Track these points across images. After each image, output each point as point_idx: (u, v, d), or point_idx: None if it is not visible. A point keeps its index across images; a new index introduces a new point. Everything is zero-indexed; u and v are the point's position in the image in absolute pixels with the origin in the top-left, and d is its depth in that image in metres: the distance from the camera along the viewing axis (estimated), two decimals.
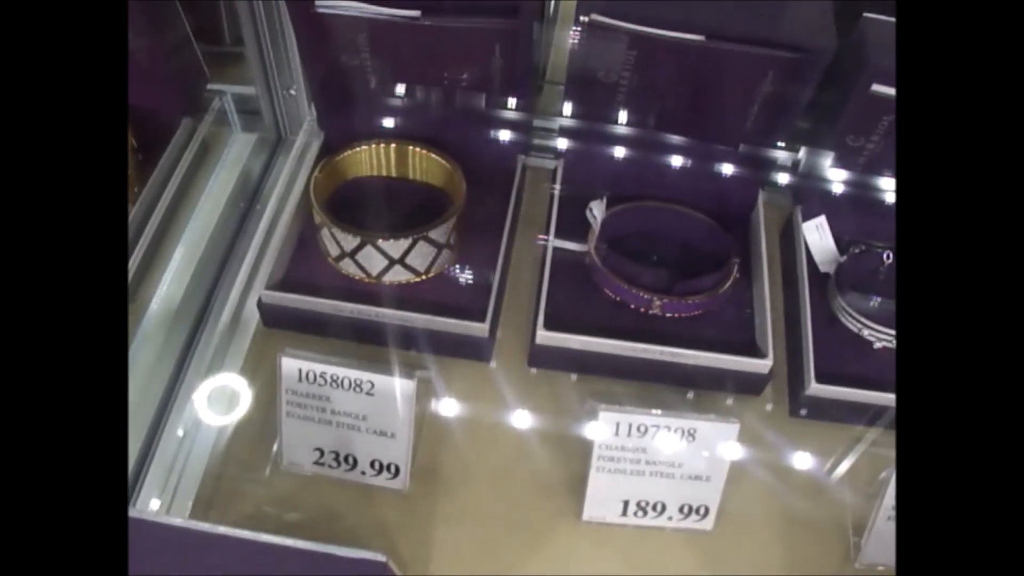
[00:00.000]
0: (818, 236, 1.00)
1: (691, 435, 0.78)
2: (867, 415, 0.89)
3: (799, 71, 0.87)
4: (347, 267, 0.93)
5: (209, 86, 1.13)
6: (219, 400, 0.86)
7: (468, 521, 0.83)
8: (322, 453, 0.83)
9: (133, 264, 0.96)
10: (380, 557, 0.57)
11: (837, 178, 1.01)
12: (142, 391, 0.89)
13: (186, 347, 0.95)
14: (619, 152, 1.02)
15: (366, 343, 0.91)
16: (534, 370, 0.93)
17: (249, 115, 1.14)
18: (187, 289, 0.98)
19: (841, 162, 0.98)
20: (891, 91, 0.85)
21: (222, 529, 0.58)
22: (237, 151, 1.12)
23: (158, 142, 1.05)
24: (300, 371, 0.79)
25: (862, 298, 0.94)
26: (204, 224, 1.04)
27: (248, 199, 1.08)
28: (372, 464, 0.82)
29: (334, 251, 0.92)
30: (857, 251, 0.97)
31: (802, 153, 1.02)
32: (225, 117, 1.13)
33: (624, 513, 0.82)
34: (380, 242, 0.89)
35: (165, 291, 0.98)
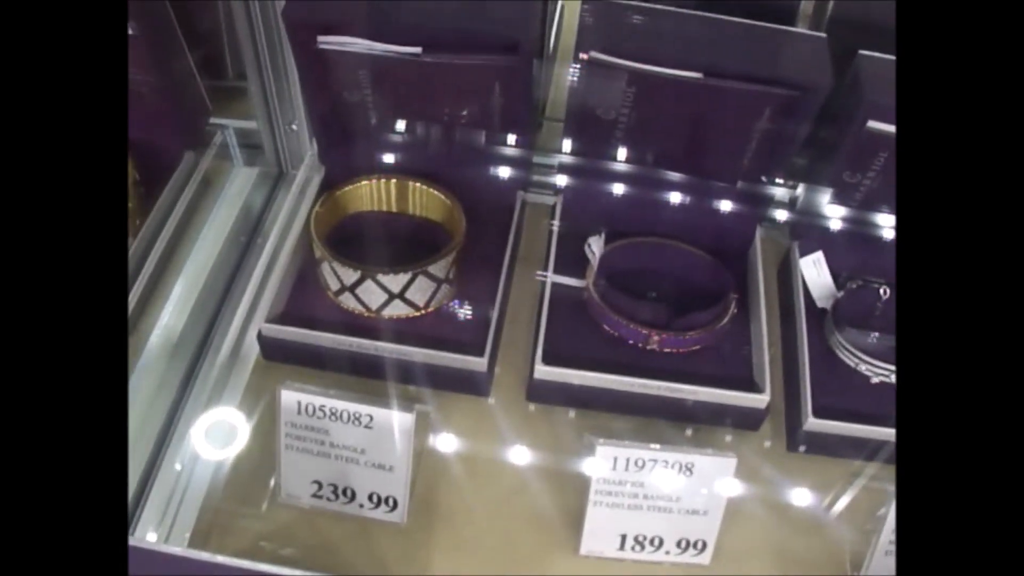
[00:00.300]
0: (815, 272, 1.00)
1: (689, 470, 0.79)
2: (865, 450, 0.89)
3: (795, 108, 0.88)
4: (347, 301, 0.93)
5: (211, 120, 1.14)
6: (217, 434, 0.86)
7: (466, 554, 0.83)
8: (320, 486, 0.83)
9: (134, 296, 0.96)
10: None
11: (834, 214, 1.01)
12: (141, 423, 0.89)
13: (185, 379, 0.95)
14: (618, 188, 1.02)
15: (365, 377, 0.91)
16: (532, 406, 0.93)
17: (251, 149, 1.15)
18: (187, 322, 0.98)
19: (838, 198, 0.99)
20: (887, 128, 0.86)
21: (220, 559, 0.57)
22: (239, 185, 1.13)
23: (160, 175, 1.05)
24: (299, 404, 0.79)
25: (859, 333, 0.94)
26: (205, 257, 1.05)
27: (249, 233, 1.09)
28: (370, 497, 0.82)
29: (334, 285, 0.93)
30: (854, 286, 0.97)
31: (799, 189, 1.03)
32: (227, 151, 1.14)
33: (622, 547, 0.82)
34: (380, 276, 0.90)
35: (165, 323, 0.98)
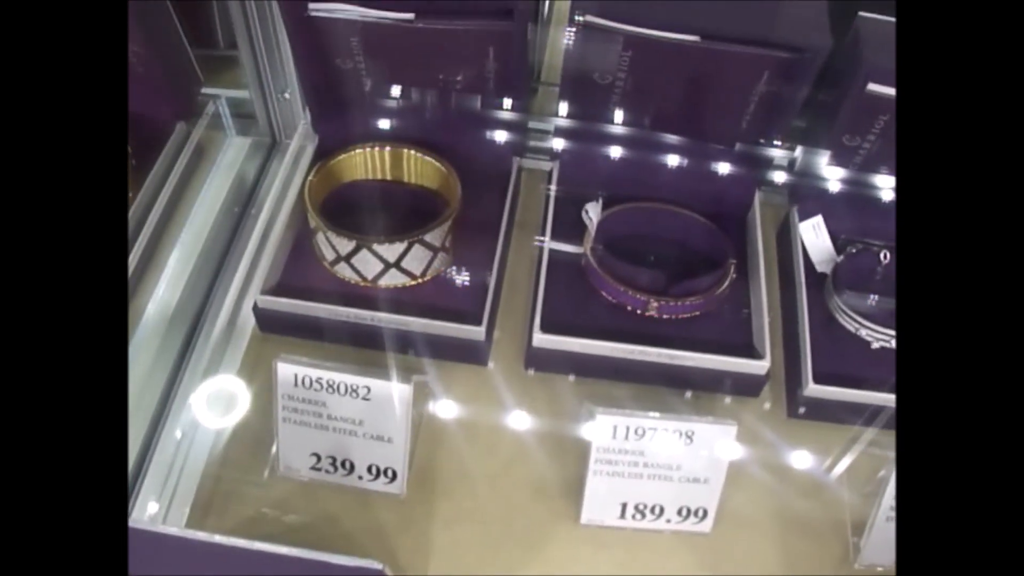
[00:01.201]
0: (815, 236, 1.00)
1: (689, 437, 0.78)
2: (865, 415, 0.88)
3: (794, 71, 0.87)
4: (343, 271, 0.92)
5: (203, 90, 1.12)
6: (217, 402, 0.86)
7: (466, 525, 0.83)
8: (319, 458, 0.83)
9: (129, 269, 0.96)
10: (376, 565, 0.56)
11: (833, 177, 1.00)
12: (139, 395, 0.89)
13: (182, 352, 0.94)
14: (615, 153, 1.01)
15: (362, 347, 0.91)
16: (531, 372, 0.93)
17: (243, 119, 1.14)
18: (183, 294, 0.98)
19: (837, 161, 0.98)
20: (887, 90, 0.85)
21: (218, 538, 0.57)
22: (232, 155, 1.12)
23: (152, 146, 1.05)
24: (296, 376, 0.79)
25: (859, 297, 0.94)
26: (199, 228, 1.04)
27: (243, 203, 1.08)
28: (369, 469, 0.82)
29: (329, 255, 0.92)
30: (854, 251, 0.97)
31: (798, 152, 1.02)
32: (219, 121, 1.13)
33: (622, 516, 0.82)
34: (375, 246, 0.89)
35: (161, 295, 0.98)
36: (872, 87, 0.86)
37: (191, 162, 1.08)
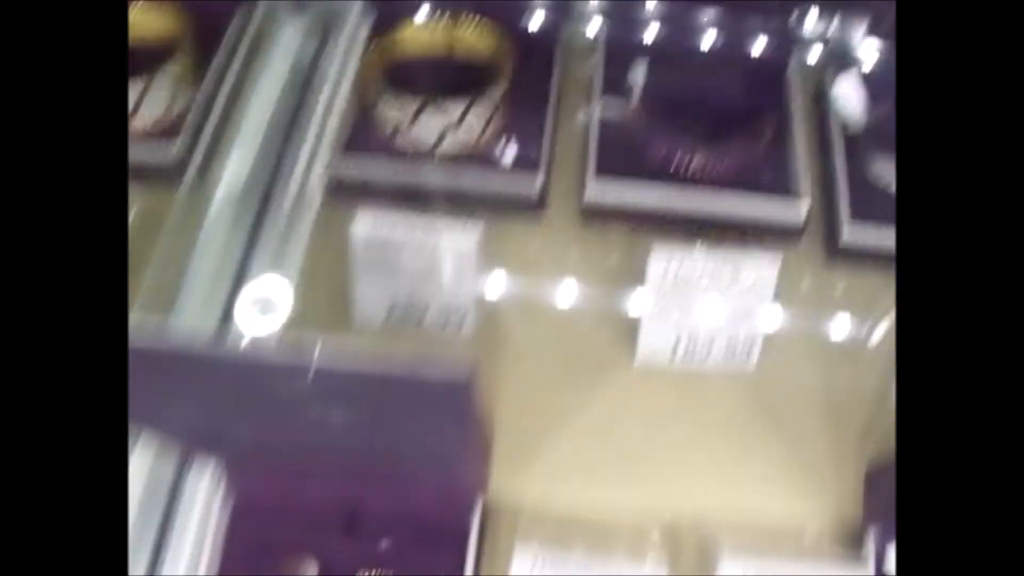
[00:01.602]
0: (851, 94, 1.03)
1: (736, 271, 0.83)
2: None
3: None
4: (404, 138, 0.98)
5: None
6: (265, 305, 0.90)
7: (527, 365, 0.89)
8: (391, 309, 0.89)
9: (200, 151, 1.02)
10: (466, 370, 0.60)
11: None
12: (215, 272, 0.95)
13: (255, 224, 1.00)
14: (659, 12, 1.06)
15: (425, 209, 0.96)
16: (585, 226, 0.98)
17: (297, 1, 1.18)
18: (252, 168, 1.04)
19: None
20: None
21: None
22: (288, 37, 1.16)
23: (214, 32, 1.10)
24: (373, 227, 0.85)
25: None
26: (263, 110, 1.09)
27: (302, 83, 1.13)
28: (439, 316, 0.88)
29: (392, 122, 0.97)
30: (888, 110, 1.00)
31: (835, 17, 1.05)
32: (276, 3, 1.17)
33: (673, 355, 0.88)
34: (435, 106, 0.94)
35: (230, 173, 1.04)
36: None
37: (252, 44, 1.12)
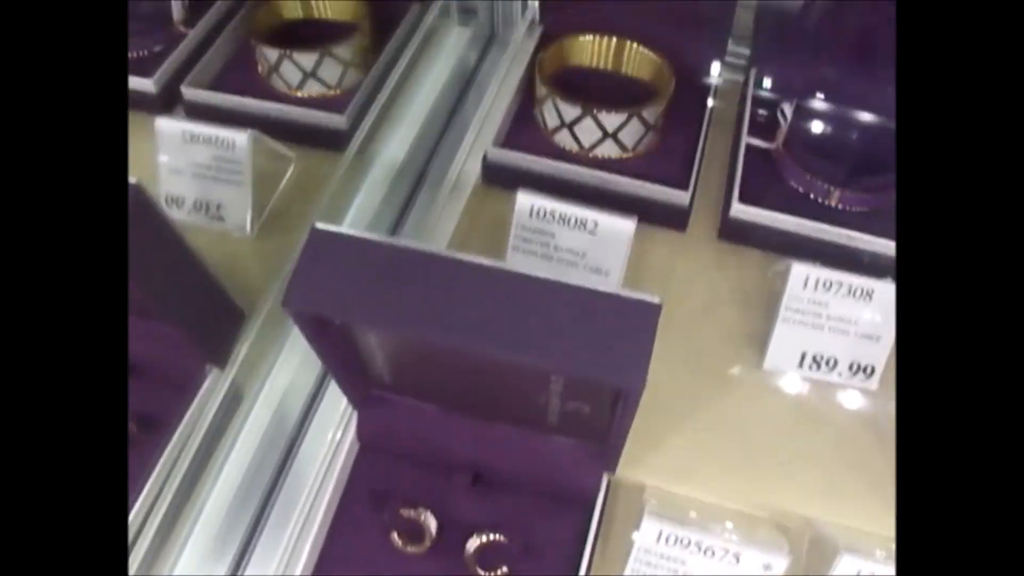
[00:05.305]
0: None
1: (868, 295, 0.87)
2: None
3: None
4: (563, 139, 1.04)
5: None
6: None
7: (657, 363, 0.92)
8: None
9: (366, 125, 1.09)
10: (655, 299, 0.61)
11: None
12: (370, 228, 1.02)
13: (407, 200, 1.08)
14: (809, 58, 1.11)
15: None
16: (724, 243, 1.02)
17: (466, 13, 1.27)
18: (410, 148, 1.11)
19: None
20: None
21: (487, 262, 0.62)
22: (455, 40, 1.25)
23: (390, 24, 1.19)
24: (532, 207, 0.90)
25: None
26: (426, 100, 1.17)
27: (464, 83, 1.21)
28: None
29: (552, 123, 1.04)
30: None
31: None
32: (448, 9, 1.26)
33: (800, 365, 0.91)
34: (598, 113, 1.00)
35: (390, 152, 1.11)
36: None
37: (422, 41, 1.20)
